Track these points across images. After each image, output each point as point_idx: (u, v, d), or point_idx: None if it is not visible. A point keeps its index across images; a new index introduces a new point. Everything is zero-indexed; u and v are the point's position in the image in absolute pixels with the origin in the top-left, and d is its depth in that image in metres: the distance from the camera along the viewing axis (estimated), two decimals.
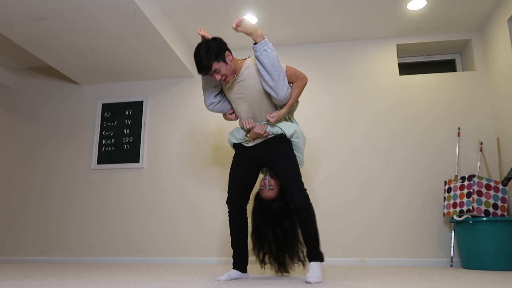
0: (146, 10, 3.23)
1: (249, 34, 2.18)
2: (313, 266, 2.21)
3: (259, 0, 3.49)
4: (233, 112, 2.55)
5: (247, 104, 2.37)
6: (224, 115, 2.61)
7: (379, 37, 4.16)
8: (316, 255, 2.26)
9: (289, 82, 2.31)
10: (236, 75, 2.33)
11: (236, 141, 2.46)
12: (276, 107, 2.38)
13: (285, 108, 2.33)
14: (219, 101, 2.50)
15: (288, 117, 2.48)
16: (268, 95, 2.32)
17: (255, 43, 2.18)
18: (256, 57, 2.20)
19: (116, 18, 3.27)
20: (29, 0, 3.00)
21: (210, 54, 2.21)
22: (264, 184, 2.43)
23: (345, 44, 4.23)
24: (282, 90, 2.22)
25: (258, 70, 2.26)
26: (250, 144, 2.42)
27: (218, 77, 2.26)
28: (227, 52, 2.27)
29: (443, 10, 3.67)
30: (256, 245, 2.42)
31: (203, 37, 2.34)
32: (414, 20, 3.84)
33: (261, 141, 2.39)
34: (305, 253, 2.33)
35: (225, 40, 2.33)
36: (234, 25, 2.15)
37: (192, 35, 4.06)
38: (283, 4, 3.55)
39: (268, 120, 2.34)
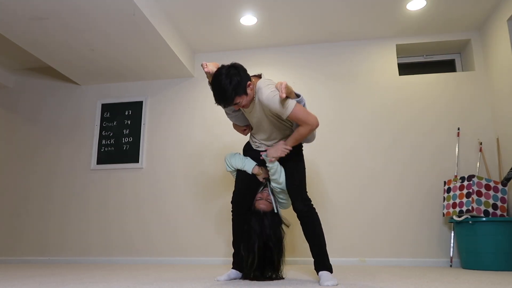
0: (146, 10, 3.23)
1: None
2: (323, 273, 2.15)
3: (259, 0, 3.49)
4: (245, 129, 2.54)
5: (256, 123, 2.32)
6: (236, 125, 2.58)
7: (378, 37, 4.16)
8: (323, 265, 2.20)
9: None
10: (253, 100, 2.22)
11: (230, 170, 2.46)
12: (289, 125, 2.33)
13: (289, 141, 2.27)
14: (234, 116, 2.47)
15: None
16: (277, 120, 2.27)
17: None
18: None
19: (115, 18, 3.27)
20: (29, 1, 3.00)
21: (232, 88, 2.05)
22: (261, 196, 2.39)
23: (344, 44, 4.23)
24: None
25: (262, 104, 2.16)
26: (263, 148, 2.40)
27: (237, 108, 2.19)
28: (249, 82, 2.12)
29: (442, 10, 3.67)
30: (243, 249, 2.29)
31: (207, 73, 2.20)
32: (413, 20, 3.84)
33: None
34: (281, 273, 2.29)
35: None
36: (284, 95, 1.96)
37: (192, 35, 4.06)
38: (283, 4, 3.55)
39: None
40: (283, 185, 2.33)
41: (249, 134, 2.57)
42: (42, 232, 4.27)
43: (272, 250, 2.23)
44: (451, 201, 3.38)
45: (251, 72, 2.28)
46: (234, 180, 2.48)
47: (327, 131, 3.99)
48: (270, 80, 2.21)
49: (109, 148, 4.38)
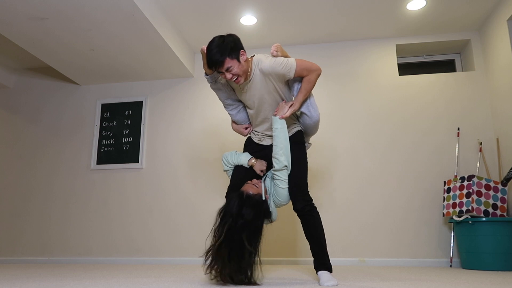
0: (146, 10, 3.24)
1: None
2: (323, 273, 2.12)
3: (258, 0, 3.49)
4: (247, 128, 2.50)
5: (258, 105, 2.28)
6: (235, 126, 2.56)
7: (378, 37, 4.16)
8: (323, 264, 2.16)
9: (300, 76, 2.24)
10: (249, 77, 2.20)
11: (227, 168, 2.41)
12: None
13: (300, 95, 2.26)
14: (235, 108, 2.47)
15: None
16: (280, 96, 2.27)
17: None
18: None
19: (115, 18, 3.27)
20: (29, 0, 3.00)
21: (225, 48, 2.05)
22: (250, 181, 2.27)
23: (344, 45, 4.23)
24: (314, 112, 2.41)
25: (264, 75, 2.17)
26: (264, 143, 2.38)
27: (228, 76, 2.10)
28: (242, 51, 2.12)
29: (442, 10, 3.67)
30: (213, 231, 2.08)
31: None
32: (413, 20, 3.84)
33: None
34: (253, 275, 1.98)
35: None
36: (274, 52, 2.20)
37: (192, 35, 4.06)
38: (282, 4, 3.55)
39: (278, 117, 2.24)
40: (285, 163, 2.16)
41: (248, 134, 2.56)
42: (43, 232, 4.27)
43: (245, 240, 1.94)
44: (451, 201, 3.38)
45: None
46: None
47: (327, 131, 3.99)
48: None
49: (109, 148, 4.38)
